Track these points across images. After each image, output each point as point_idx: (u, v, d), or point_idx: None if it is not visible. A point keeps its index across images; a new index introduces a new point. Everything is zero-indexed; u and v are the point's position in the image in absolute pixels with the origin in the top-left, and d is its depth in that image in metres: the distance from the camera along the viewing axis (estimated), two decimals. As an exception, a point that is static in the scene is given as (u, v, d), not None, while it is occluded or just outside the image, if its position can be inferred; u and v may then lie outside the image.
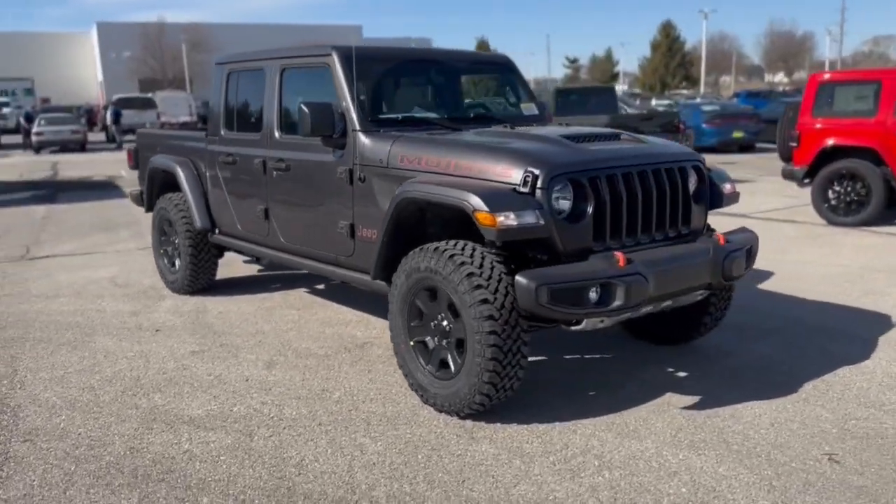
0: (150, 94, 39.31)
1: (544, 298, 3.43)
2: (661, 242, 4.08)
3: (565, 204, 3.71)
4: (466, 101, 5.56)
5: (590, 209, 3.75)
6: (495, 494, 3.13)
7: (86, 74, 67.42)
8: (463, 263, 3.65)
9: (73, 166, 21.46)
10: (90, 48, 67.49)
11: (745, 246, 4.20)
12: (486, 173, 3.83)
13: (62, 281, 7.29)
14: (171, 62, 62.90)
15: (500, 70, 5.59)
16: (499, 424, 3.79)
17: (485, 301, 3.55)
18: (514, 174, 3.72)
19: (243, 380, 4.49)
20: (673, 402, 4.04)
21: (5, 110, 32.90)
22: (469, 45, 78.27)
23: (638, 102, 33.60)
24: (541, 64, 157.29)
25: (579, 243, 3.73)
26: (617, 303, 3.57)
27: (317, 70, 4.84)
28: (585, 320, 3.74)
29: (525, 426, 3.77)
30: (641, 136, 4.48)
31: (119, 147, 28.32)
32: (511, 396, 3.90)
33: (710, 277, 4.01)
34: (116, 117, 29.73)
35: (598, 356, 4.82)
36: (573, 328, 3.77)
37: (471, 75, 5.68)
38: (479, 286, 3.57)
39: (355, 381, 4.41)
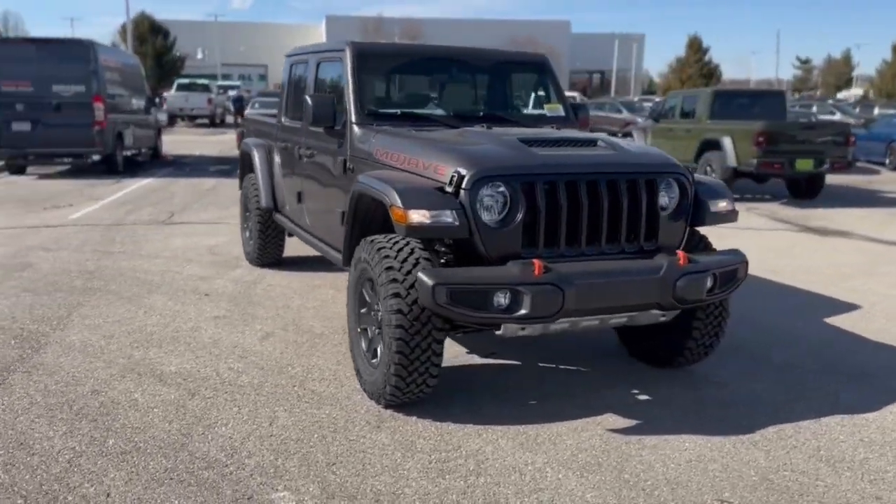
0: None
1: (443, 298, 3.43)
2: (613, 256, 3.89)
3: (492, 207, 3.67)
4: (487, 100, 5.54)
5: (519, 215, 3.68)
6: (351, 480, 3.22)
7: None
8: (386, 257, 3.74)
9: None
10: (319, 39, 72.95)
11: (712, 269, 3.89)
12: (429, 171, 3.89)
13: (172, 245, 8.21)
14: (388, 54, 66.25)
15: (532, 70, 5.53)
16: (413, 418, 3.84)
17: (396, 295, 3.62)
18: (445, 173, 3.75)
19: (233, 346, 4.88)
20: (606, 424, 3.85)
21: (231, 93, 36.57)
22: (679, 42, 74.09)
23: (857, 110, 30.53)
24: (766, 63, 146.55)
25: (506, 249, 3.67)
26: (523, 311, 3.49)
27: (337, 64, 5.10)
28: (504, 326, 3.70)
29: (436, 423, 3.79)
30: (623, 144, 4.27)
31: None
32: (442, 394, 3.96)
33: (659, 298, 3.76)
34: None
35: (573, 368, 4.66)
36: (497, 333, 3.74)
37: (498, 74, 5.65)
38: (394, 280, 3.65)
39: (322, 361, 4.64)
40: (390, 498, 3.09)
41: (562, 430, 3.77)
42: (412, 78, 5.39)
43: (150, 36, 49.38)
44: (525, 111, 5.48)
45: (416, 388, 3.78)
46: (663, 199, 4.03)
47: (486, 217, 3.64)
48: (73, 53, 14.55)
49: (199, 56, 56.02)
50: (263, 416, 3.84)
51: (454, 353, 4.79)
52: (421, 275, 3.49)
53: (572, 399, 4.16)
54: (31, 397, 4.01)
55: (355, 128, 4.69)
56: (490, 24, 67.65)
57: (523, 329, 3.72)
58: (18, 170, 15.29)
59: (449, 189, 3.66)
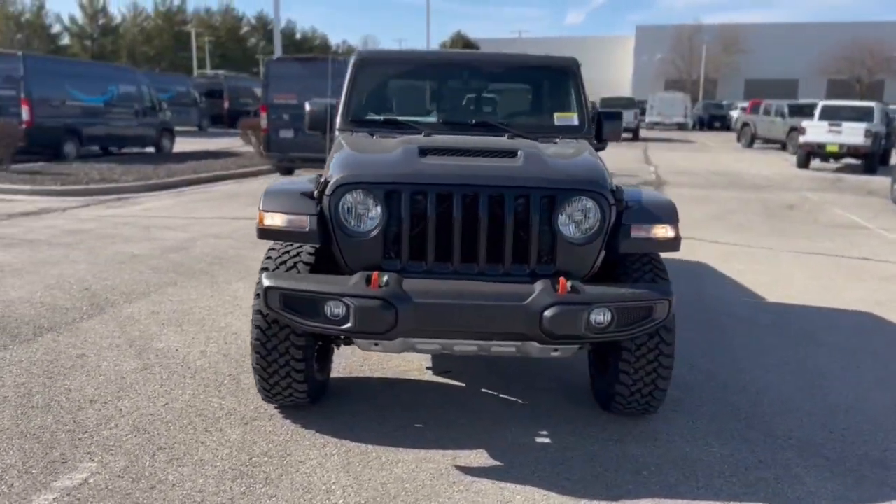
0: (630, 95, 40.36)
1: (275, 303, 3.42)
2: (495, 278, 3.53)
3: (353, 215, 3.56)
4: (488, 107, 5.21)
5: (378, 225, 3.52)
6: (157, 464, 3.38)
7: (620, 75, 72.48)
8: (268, 258, 3.82)
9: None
10: (627, 50, 72.22)
11: (598, 302, 3.33)
12: (324, 176, 3.88)
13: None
14: (699, 64, 63.47)
15: (554, 75, 5.10)
16: (287, 422, 3.87)
17: (257, 295, 3.69)
18: (324, 178, 3.72)
19: (234, 333, 5.28)
20: (454, 459, 3.51)
21: None
22: None
23: None
24: None
25: (366, 260, 3.53)
26: (348, 325, 3.34)
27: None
28: (356, 340, 3.59)
29: (296, 428, 3.78)
30: (549, 157, 3.82)
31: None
32: (356, 402, 3.94)
33: (525, 328, 3.33)
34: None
35: (511, 399, 4.27)
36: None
37: (512, 80, 5.28)
38: (259, 282, 3.72)
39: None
40: (166, 486, 3.19)
41: (398, 458, 3.52)
42: (416, 84, 5.30)
43: (462, 52, 52.97)
44: (533, 118, 5.08)
45: (283, 391, 3.80)
46: (569, 220, 3.55)
47: (347, 225, 3.54)
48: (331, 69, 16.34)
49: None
50: (168, 394, 4.14)
51: (407, 366, 4.67)
52: (263, 277, 3.51)
53: (458, 428, 3.84)
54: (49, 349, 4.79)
55: (338, 134, 4.80)
56: (817, 26, 61.22)
57: (376, 345, 3.56)
58: (287, 171, 17.53)
59: (315, 194, 3.63)
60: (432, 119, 4.87)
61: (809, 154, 20.48)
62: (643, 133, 37.11)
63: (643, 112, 40.90)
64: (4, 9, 62.37)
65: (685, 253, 8.58)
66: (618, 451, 3.66)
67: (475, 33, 70.73)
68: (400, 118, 4.80)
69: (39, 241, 8.43)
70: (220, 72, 44.06)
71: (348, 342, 3.90)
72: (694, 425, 3.99)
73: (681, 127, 42.82)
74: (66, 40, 66.63)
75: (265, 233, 3.63)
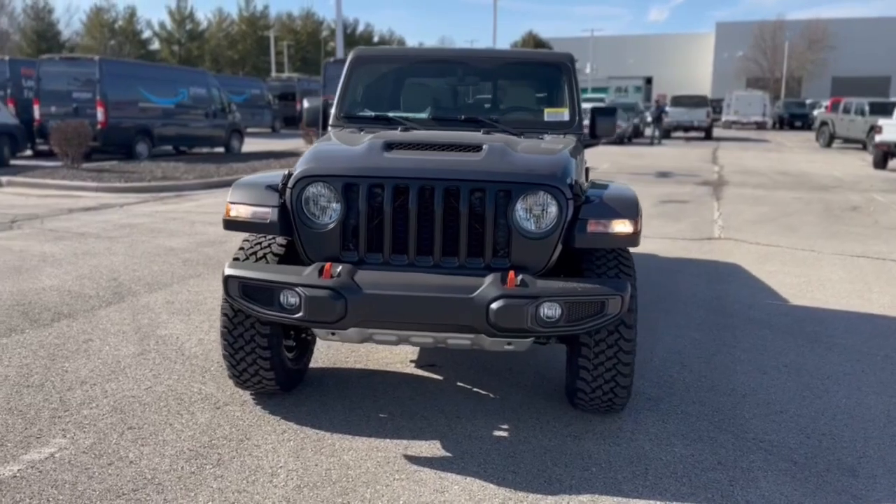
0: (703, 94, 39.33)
1: (235, 291, 3.55)
2: (450, 271, 3.56)
3: (314, 207, 3.65)
4: (478, 103, 5.20)
5: (336, 217, 3.60)
6: (121, 442, 3.56)
7: (699, 73, 70.61)
8: (241, 248, 3.95)
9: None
10: (707, 48, 70.30)
11: (547, 296, 3.32)
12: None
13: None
14: (782, 61, 61.25)
15: (549, 71, 5.07)
16: (258, 409, 4.00)
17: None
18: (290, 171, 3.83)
19: (235, 323, 5.45)
20: (403, 450, 3.55)
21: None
22: None
23: None
24: None
25: (325, 251, 3.62)
26: (300, 314, 3.43)
27: (351, 69, 5.36)
28: (316, 329, 3.69)
29: (273, 417, 3.90)
30: (511, 151, 3.81)
31: (657, 143, 29.80)
32: (328, 391, 4.06)
33: (471, 321, 3.35)
34: (659, 114, 31.07)
35: (484, 393, 4.27)
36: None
37: (505, 77, 5.25)
38: None
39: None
40: (123, 463, 3.36)
41: (351, 446, 3.59)
42: (411, 81, 5.34)
43: (533, 51, 52.71)
44: (524, 114, 5.06)
45: (251, 378, 3.93)
46: (525, 214, 3.55)
47: (307, 217, 3.64)
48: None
49: (587, 70, 57.98)
50: (160, 378, 4.34)
51: (391, 359, 4.74)
52: (225, 266, 3.64)
53: (420, 420, 3.88)
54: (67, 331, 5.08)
55: (330, 129, 4.91)
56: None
57: (333, 334, 3.64)
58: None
59: (280, 187, 3.74)
60: (423, 115, 4.92)
61: (886, 154, 19.50)
62: (718, 132, 36.09)
63: (717, 111, 39.75)
64: (100, 16, 65.73)
65: (721, 254, 8.38)
66: (574, 447, 3.63)
67: (548, 33, 70.03)
68: (390, 115, 4.87)
69: (89, 235, 8.89)
70: (294, 74, 45.21)
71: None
72: (664, 425, 3.91)
73: (759, 126, 41.44)
74: (155, 45, 69.68)
75: (230, 224, 3.76)
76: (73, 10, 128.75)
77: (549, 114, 4.88)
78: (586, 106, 6.63)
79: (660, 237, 9.58)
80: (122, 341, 5.00)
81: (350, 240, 3.63)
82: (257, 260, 3.82)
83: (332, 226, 3.60)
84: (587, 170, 6.78)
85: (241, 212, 3.73)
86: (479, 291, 3.33)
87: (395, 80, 5.27)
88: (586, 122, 5.03)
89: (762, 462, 3.53)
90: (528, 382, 4.45)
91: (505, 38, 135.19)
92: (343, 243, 3.62)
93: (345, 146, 4.01)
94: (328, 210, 3.63)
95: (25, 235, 8.85)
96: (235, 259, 3.84)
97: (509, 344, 3.58)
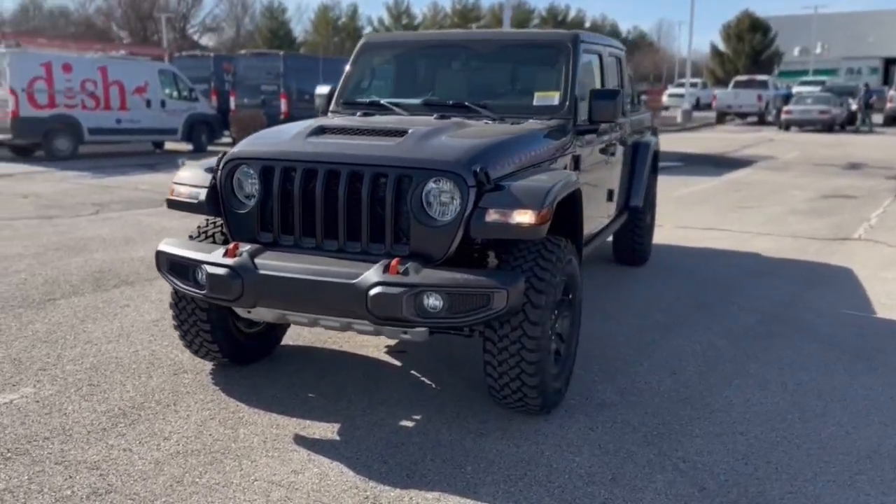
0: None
1: (164, 266, 3.82)
2: (352, 255, 3.56)
3: (237, 189, 3.81)
4: (472, 87, 4.98)
5: (254, 199, 3.74)
6: (75, 398, 3.97)
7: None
8: (197, 227, 4.22)
9: (769, 144, 21.93)
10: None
11: (426, 286, 3.22)
12: None
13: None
14: None
15: (550, 52, 4.81)
16: (203, 377, 4.25)
17: None
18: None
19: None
20: (320, 432, 3.61)
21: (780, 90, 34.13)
22: None
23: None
24: None
25: (245, 232, 3.78)
26: (204, 291, 3.61)
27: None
28: (234, 307, 3.85)
29: (211, 387, 4.14)
30: (422, 138, 3.70)
31: (866, 131, 26.63)
32: (279, 369, 4.28)
33: (355, 307, 3.34)
34: (868, 99, 27.66)
35: (435, 387, 4.20)
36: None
37: (506, 60, 4.98)
38: None
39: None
40: (59, 414, 3.75)
41: (255, 420, 3.71)
42: (412, 67, 5.26)
43: (748, 33, 49.12)
44: (513, 98, 4.81)
45: (199, 348, 4.19)
46: (425, 201, 3.46)
47: (231, 198, 3.81)
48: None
49: (796, 53, 52.97)
50: (154, 344, 4.75)
51: (365, 343, 4.80)
52: (160, 242, 3.91)
53: (340, 403, 3.91)
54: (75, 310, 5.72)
55: (330, 116, 5.06)
56: None
57: (249, 312, 3.78)
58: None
59: (214, 169, 3.94)
60: (416, 101, 4.90)
61: None
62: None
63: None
64: (326, 14, 70.95)
65: (841, 257, 7.44)
66: (469, 444, 3.48)
67: (769, 11, 64.70)
68: (382, 101, 4.90)
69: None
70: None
71: None
72: (589, 433, 3.62)
73: None
74: (373, 40, 73.70)
75: (171, 203, 4.02)
76: (304, 8, 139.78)
77: (539, 98, 4.65)
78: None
79: (782, 235, 8.69)
80: (152, 309, 5.51)
81: (267, 222, 3.74)
82: (205, 239, 4.06)
83: (251, 207, 3.74)
84: (633, 156, 6.34)
85: (181, 192, 3.97)
86: (360, 278, 3.30)
87: (399, 66, 5.27)
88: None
89: (663, 484, 3.17)
90: (481, 377, 4.29)
91: (719, 18, 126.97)
92: (261, 225, 3.74)
93: (281, 130, 4.12)
94: (248, 192, 3.78)
95: (165, 213, 9.90)
96: (190, 237, 4.10)
97: (405, 333, 3.51)
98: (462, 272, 3.32)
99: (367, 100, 4.99)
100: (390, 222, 3.48)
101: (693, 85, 42.77)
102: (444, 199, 3.45)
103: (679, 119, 31.76)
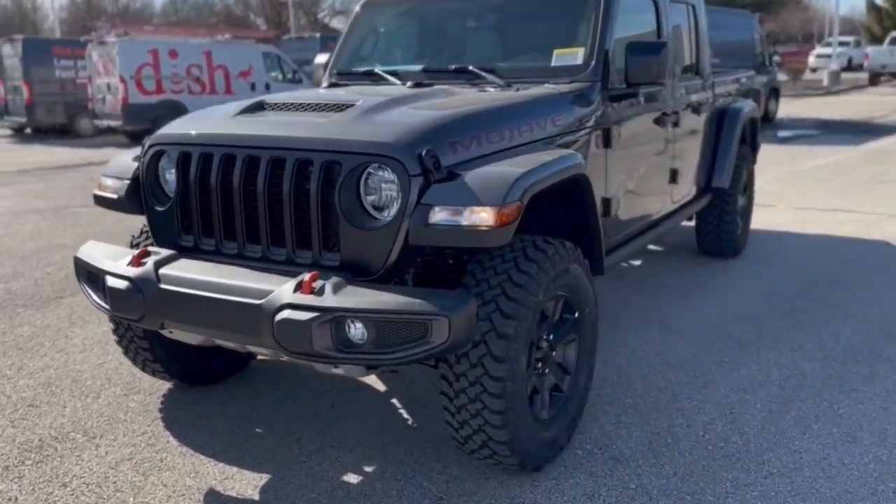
0: None
1: (82, 275, 3.21)
2: (279, 265, 2.80)
3: (162, 182, 3.14)
4: (481, 49, 4.00)
5: (172, 194, 3.04)
6: (17, 405, 3.48)
7: None
8: (143, 227, 3.59)
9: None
10: None
11: (351, 311, 2.41)
12: None
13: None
14: None
15: (566, 4, 3.81)
16: (153, 400, 3.65)
17: None
18: None
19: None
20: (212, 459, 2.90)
21: None
22: None
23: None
24: None
25: (167, 233, 3.10)
26: (106, 304, 2.97)
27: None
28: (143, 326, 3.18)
29: (150, 410, 3.53)
30: (363, 114, 2.87)
31: None
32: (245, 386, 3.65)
33: (264, 335, 2.58)
34: None
35: (415, 423, 3.39)
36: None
37: (524, 17, 3.96)
38: None
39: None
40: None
41: (176, 447, 3.04)
42: (414, 30, 4.34)
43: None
44: (528, 59, 3.82)
45: (144, 368, 3.58)
46: (356, 194, 2.65)
47: (150, 193, 3.14)
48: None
49: None
50: (106, 355, 4.22)
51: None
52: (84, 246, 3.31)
53: (283, 446, 3.18)
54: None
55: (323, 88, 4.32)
56: None
57: (162, 328, 3.07)
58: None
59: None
60: (416, 67, 4.04)
61: None
62: None
63: None
64: None
65: None
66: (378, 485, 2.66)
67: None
68: (376, 69, 4.09)
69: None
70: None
71: None
72: (586, 503, 2.70)
73: None
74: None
75: (96, 199, 3.39)
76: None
77: (559, 56, 3.68)
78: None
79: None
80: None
81: (187, 222, 3.04)
82: (141, 242, 3.43)
83: (169, 204, 3.05)
84: (717, 125, 5.21)
85: (107, 185, 3.33)
86: (267, 298, 2.54)
87: (402, 27, 4.44)
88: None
89: None
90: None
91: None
92: (181, 225, 3.05)
93: (221, 108, 3.39)
94: (168, 185, 3.09)
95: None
96: (132, 242, 3.48)
97: (336, 367, 2.71)
98: (395, 291, 2.47)
99: (363, 69, 4.19)
100: (317, 223, 2.69)
101: (844, 44, 38.77)
102: (382, 192, 2.62)
103: (825, 82, 28.72)
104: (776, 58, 19.71)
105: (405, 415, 3.41)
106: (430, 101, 3.11)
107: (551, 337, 2.89)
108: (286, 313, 2.45)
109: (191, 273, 2.77)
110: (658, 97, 4.19)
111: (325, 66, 4.45)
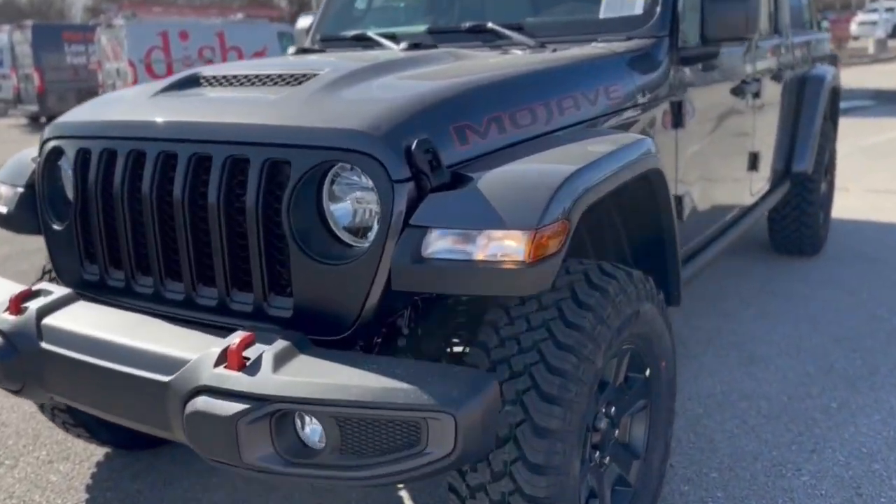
0: None
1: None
2: (206, 310, 1.91)
3: (54, 189, 2.26)
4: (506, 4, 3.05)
5: (73, 206, 2.16)
6: None
7: None
8: None
9: None
10: None
11: (304, 401, 1.51)
12: None
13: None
14: None
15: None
16: (78, 471, 2.80)
17: None
18: None
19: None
20: None
21: None
22: None
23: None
24: None
25: (69, 264, 2.22)
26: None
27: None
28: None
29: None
30: (404, 76, 1.98)
31: None
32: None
33: (174, 427, 1.69)
34: None
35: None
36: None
37: None
38: None
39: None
40: None
41: None
42: None
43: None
44: (564, 12, 2.86)
45: (69, 431, 2.72)
46: (317, 209, 1.74)
47: (46, 204, 2.27)
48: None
49: None
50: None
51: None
52: None
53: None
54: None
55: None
56: None
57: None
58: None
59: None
60: (419, 28, 3.10)
61: None
62: None
63: None
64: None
65: None
66: None
67: None
68: (370, 33, 3.15)
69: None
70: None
71: None
72: None
73: None
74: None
75: (-13, 214, 2.52)
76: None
77: (609, 5, 2.71)
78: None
79: None
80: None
81: (91, 245, 2.15)
82: (42, 275, 2.57)
83: (66, 221, 2.17)
84: (797, 96, 4.26)
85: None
86: (179, 374, 1.65)
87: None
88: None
89: None
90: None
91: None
92: (83, 252, 2.17)
93: (141, 87, 2.49)
94: (66, 193, 2.21)
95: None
96: (43, 272, 2.62)
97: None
98: (372, 367, 1.56)
99: (352, 33, 3.25)
100: (257, 252, 1.78)
101: (890, 10, 36.83)
102: (351, 207, 1.71)
103: (871, 49, 27.16)
104: (825, 23, 18.33)
105: None
106: (429, 67, 2.18)
107: (613, 410, 1.96)
108: (201, 402, 1.57)
109: (81, 326, 1.90)
110: (738, 59, 3.21)
111: (308, 30, 3.53)
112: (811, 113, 4.42)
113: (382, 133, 1.65)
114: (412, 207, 1.62)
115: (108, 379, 1.77)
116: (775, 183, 4.24)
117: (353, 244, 1.71)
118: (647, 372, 2.08)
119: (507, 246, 1.52)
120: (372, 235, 1.67)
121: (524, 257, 1.51)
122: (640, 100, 2.44)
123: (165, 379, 1.66)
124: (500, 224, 1.53)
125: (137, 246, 2.01)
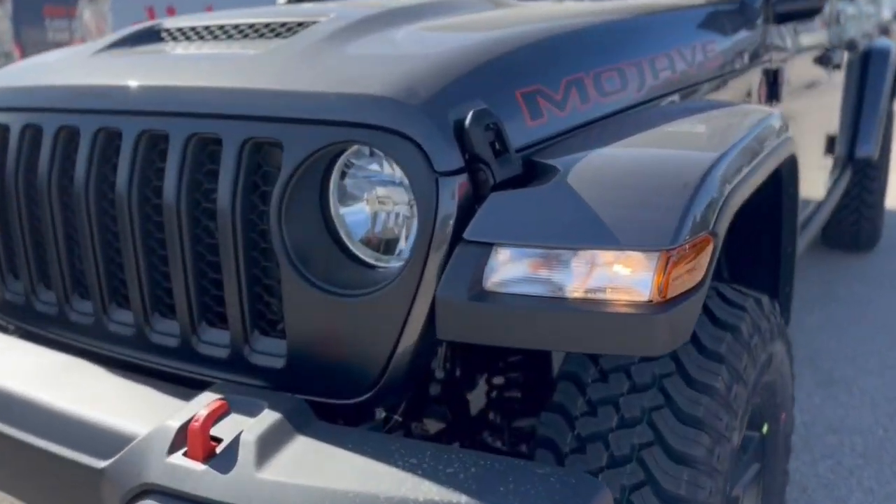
0: None
1: None
2: (164, 353, 1.37)
3: None
4: None
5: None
6: None
7: None
8: None
9: None
10: None
11: None
12: None
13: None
14: None
15: None
16: None
17: None
18: None
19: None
20: None
21: None
22: None
23: None
24: None
25: None
26: None
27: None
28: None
29: None
30: (431, 28, 1.42)
31: None
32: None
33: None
34: None
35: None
36: None
37: None
38: None
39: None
40: None
41: None
42: None
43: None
44: None
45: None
46: (318, 209, 1.18)
47: None
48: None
49: None
50: None
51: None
52: None
53: None
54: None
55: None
56: None
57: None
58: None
59: None
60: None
61: None
62: None
63: None
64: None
65: None
66: None
67: None
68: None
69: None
70: None
71: None
72: None
73: None
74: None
75: None
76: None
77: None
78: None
79: None
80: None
81: (11, 255, 1.60)
82: None
83: (-15, 216, 1.62)
84: (861, 71, 3.76)
85: None
86: (117, 458, 1.10)
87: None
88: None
89: None
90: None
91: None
92: (5, 262, 1.62)
93: (86, 45, 1.93)
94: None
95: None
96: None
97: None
98: (416, 462, 1.02)
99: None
100: (233, 270, 1.23)
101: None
102: (369, 209, 1.16)
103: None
104: None
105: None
106: (474, 13, 1.61)
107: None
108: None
109: (8, 375, 1.36)
110: (825, 24, 2.66)
111: None
112: (877, 90, 3.87)
113: (420, 100, 1.10)
114: (466, 213, 1.07)
115: (19, 454, 1.24)
116: (841, 170, 3.70)
117: (375, 264, 1.17)
118: (765, 428, 1.55)
119: (620, 276, 0.98)
120: (404, 252, 1.12)
121: (651, 294, 0.96)
122: (738, 64, 1.89)
123: (99, 465, 1.12)
124: (608, 239, 0.98)
125: (72, 257, 1.47)
